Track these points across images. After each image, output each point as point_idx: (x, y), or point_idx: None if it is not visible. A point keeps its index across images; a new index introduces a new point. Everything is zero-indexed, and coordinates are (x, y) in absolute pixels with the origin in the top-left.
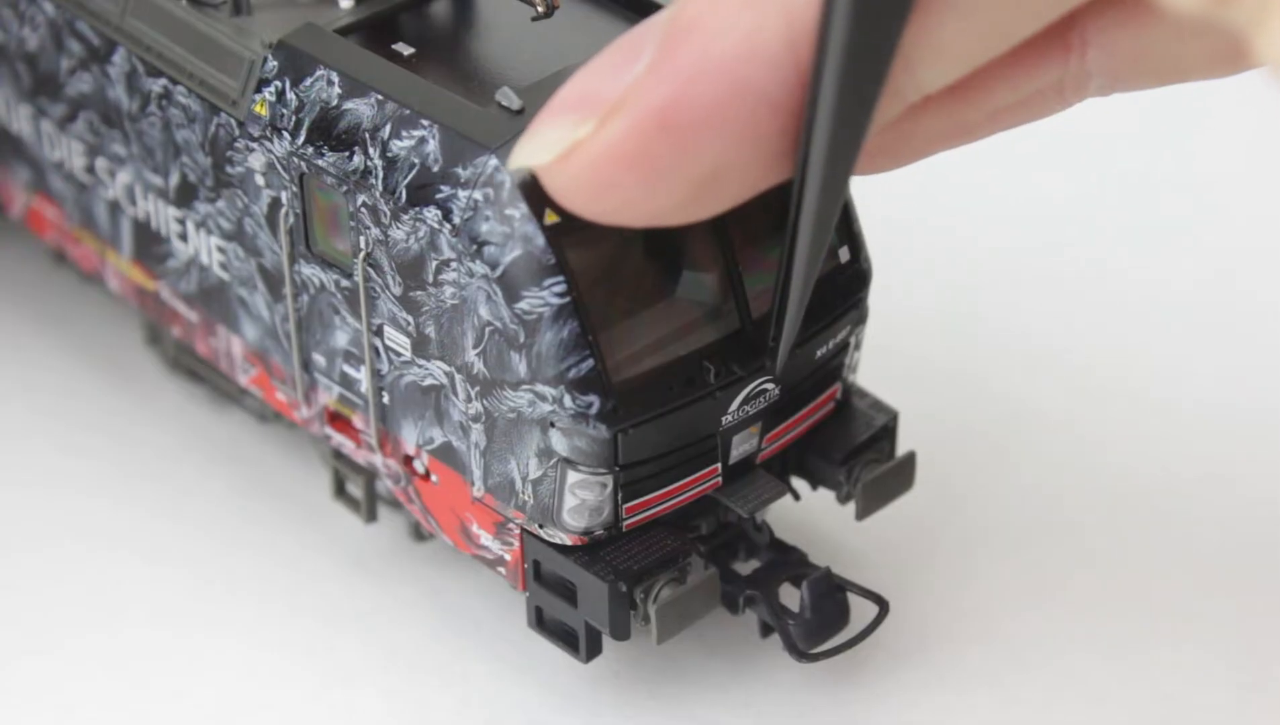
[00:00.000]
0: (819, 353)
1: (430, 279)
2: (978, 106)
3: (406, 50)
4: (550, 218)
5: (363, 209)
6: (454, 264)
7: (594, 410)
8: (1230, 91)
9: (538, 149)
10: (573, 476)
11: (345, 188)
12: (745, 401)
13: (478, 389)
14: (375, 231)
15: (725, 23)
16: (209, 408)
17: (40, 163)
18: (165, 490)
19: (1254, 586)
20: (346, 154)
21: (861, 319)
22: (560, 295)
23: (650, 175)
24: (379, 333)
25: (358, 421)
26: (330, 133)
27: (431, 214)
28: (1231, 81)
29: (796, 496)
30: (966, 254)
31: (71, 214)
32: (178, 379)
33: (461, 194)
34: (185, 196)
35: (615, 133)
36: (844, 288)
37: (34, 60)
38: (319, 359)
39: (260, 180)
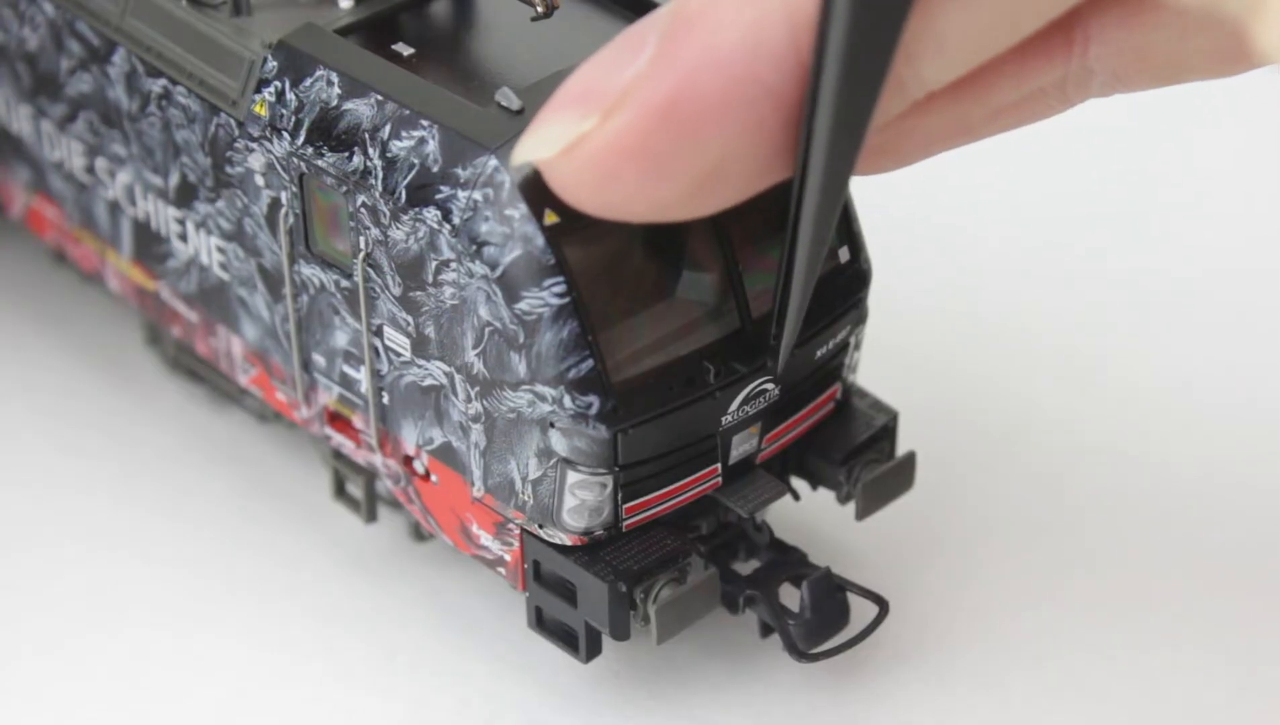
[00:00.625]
0: (819, 353)
1: (430, 279)
2: (980, 104)
3: (406, 50)
4: (550, 218)
5: (362, 209)
6: (454, 264)
7: (594, 410)
8: (1230, 85)
9: (541, 143)
10: (572, 477)
11: (345, 188)
12: (745, 401)
13: (477, 389)
14: (375, 232)
15: (728, 16)
16: (209, 408)
17: (40, 163)
18: (165, 490)
19: (1254, 586)
20: (346, 154)
21: (861, 319)
22: (560, 295)
23: (653, 168)
24: (379, 333)
25: (357, 422)
26: (330, 133)
27: (431, 214)
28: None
29: (796, 496)
30: (966, 253)
31: (71, 214)
32: (178, 379)
33: (461, 194)
34: (185, 197)
35: (618, 125)
36: (844, 288)
37: (34, 60)
38: (319, 359)
39: (260, 180)
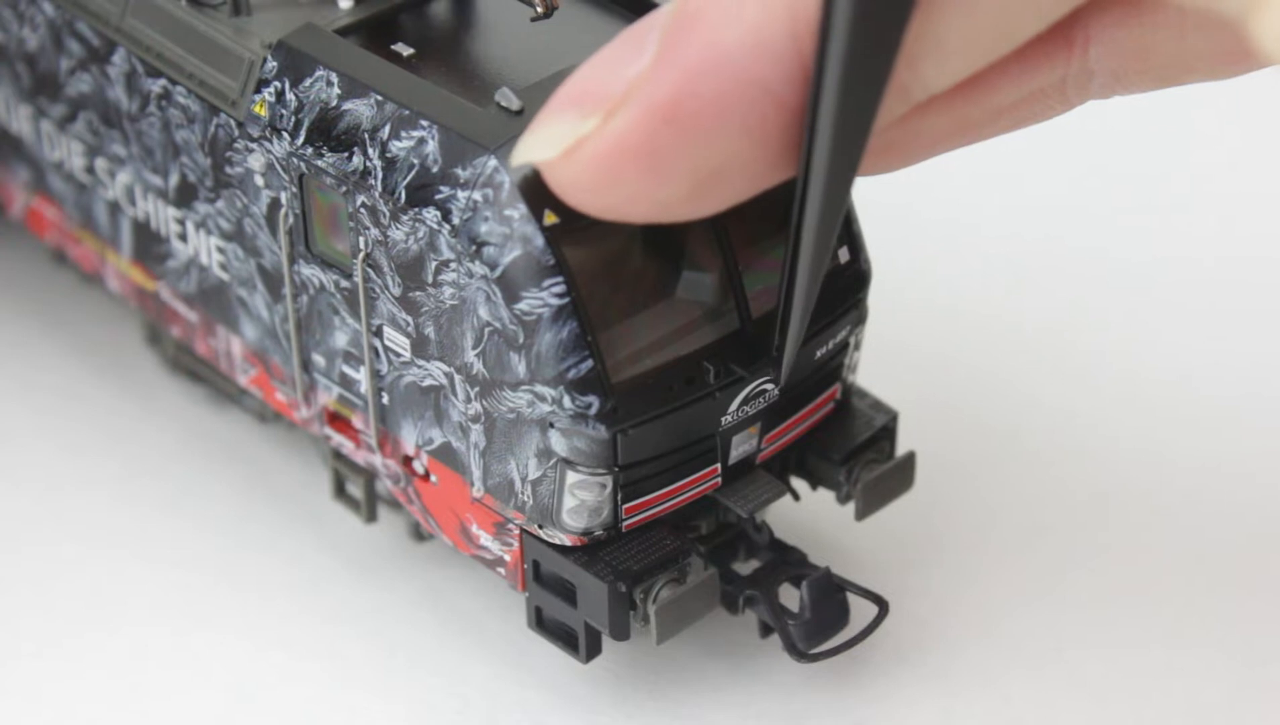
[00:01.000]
0: (819, 353)
1: (429, 279)
2: (981, 104)
3: (406, 51)
4: (549, 218)
5: (362, 209)
6: (453, 264)
7: (593, 411)
8: (1229, 84)
9: (541, 144)
10: (572, 477)
11: (344, 188)
12: (745, 402)
13: (477, 389)
14: (375, 232)
15: (729, 16)
16: (209, 407)
17: (40, 163)
18: (165, 490)
19: (1255, 584)
20: (346, 154)
21: (861, 319)
22: (559, 296)
23: (654, 169)
24: (378, 333)
25: (357, 422)
26: (330, 133)
27: (431, 214)
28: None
29: (796, 497)
30: (965, 252)
31: (71, 214)
32: (177, 379)
33: (461, 194)
34: (185, 197)
35: (620, 126)
36: (844, 288)
37: (34, 60)
38: (318, 359)
39: (260, 181)
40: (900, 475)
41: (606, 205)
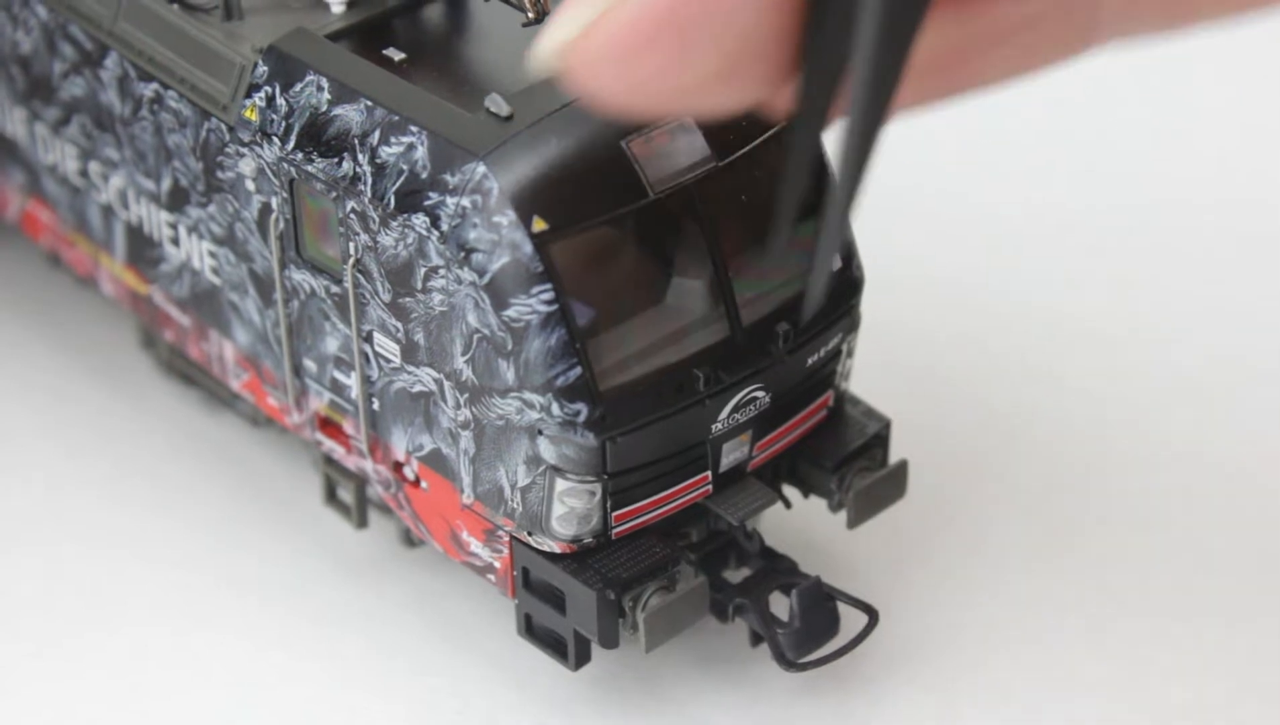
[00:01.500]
0: (810, 360)
1: (419, 286)
2: (981, 17)
3: (397, 56)
4: (538, 225)
5: (352, 215)
6: (442, 271)
7: (582, 418)
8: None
9: (563, 28)
10: (561, 484)
11: (334, 194)
12: (735, 409)
13: (466, 396)
14: (364, 238)
15: None
16: (202, 411)
17: (35, 166)
18: (159, 492)
19: (1254, 587)
20: (336, 160)
21: (854, 326)
22: (548, 302)
23: (684, 34)
24: (369, 339)
25: (348, 427)
26: (320, 138)
27: (420, 221)
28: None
29: (788, 504)
30: (959, 260)
31: (65, 217)
32: (171, 382)
33: (450, 201)
34: (177, 201)
35: None
36: (836, 294)
37: (28, 64)
38: (310, 364)
39: (251, 185)
40: (893, 484)
41: (628, 85)
